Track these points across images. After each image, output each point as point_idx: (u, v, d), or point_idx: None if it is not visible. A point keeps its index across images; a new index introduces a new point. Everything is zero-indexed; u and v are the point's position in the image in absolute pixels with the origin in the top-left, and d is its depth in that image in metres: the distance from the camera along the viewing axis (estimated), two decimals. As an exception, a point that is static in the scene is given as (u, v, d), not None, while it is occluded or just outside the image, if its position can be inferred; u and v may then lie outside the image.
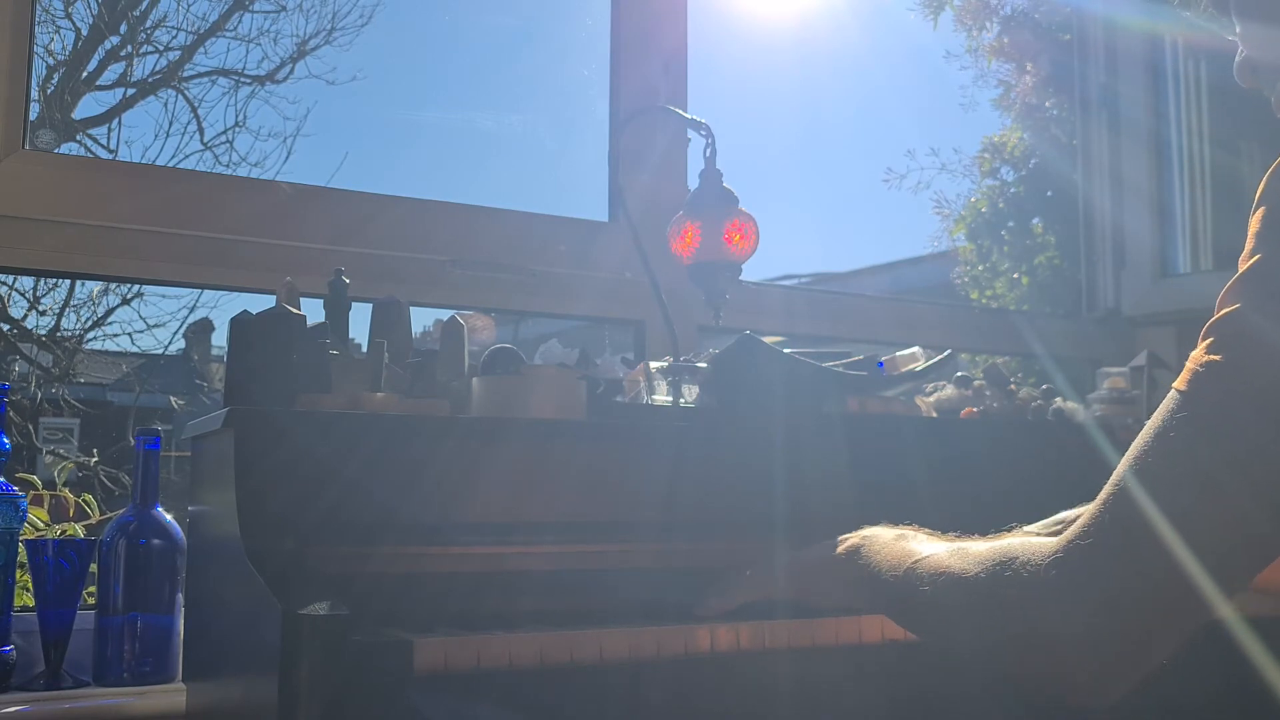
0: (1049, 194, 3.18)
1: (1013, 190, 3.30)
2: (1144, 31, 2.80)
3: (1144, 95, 2.81)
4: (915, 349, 1.75)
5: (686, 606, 1.23)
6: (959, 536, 1.04)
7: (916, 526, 1.12)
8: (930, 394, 1.84)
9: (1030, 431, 1.80)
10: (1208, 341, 0.85)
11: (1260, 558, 0.84)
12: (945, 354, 1.75)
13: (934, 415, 1.75)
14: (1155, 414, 0.86)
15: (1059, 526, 1.41)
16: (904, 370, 1.69)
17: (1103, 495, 0.87)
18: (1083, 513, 0.88)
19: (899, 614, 1.09)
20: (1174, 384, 0.86)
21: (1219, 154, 2.78)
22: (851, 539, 1.16)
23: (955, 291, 3.43)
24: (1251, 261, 0.84)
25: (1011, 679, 0.91)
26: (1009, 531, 1.00)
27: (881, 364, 1.67)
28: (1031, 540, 0.92)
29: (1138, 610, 0.83)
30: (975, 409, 1.81)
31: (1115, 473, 0.87)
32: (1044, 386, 2.02)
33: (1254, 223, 0.86)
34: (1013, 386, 1.91)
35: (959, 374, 1.95)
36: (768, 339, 1.66)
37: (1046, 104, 3.12)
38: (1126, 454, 0.87)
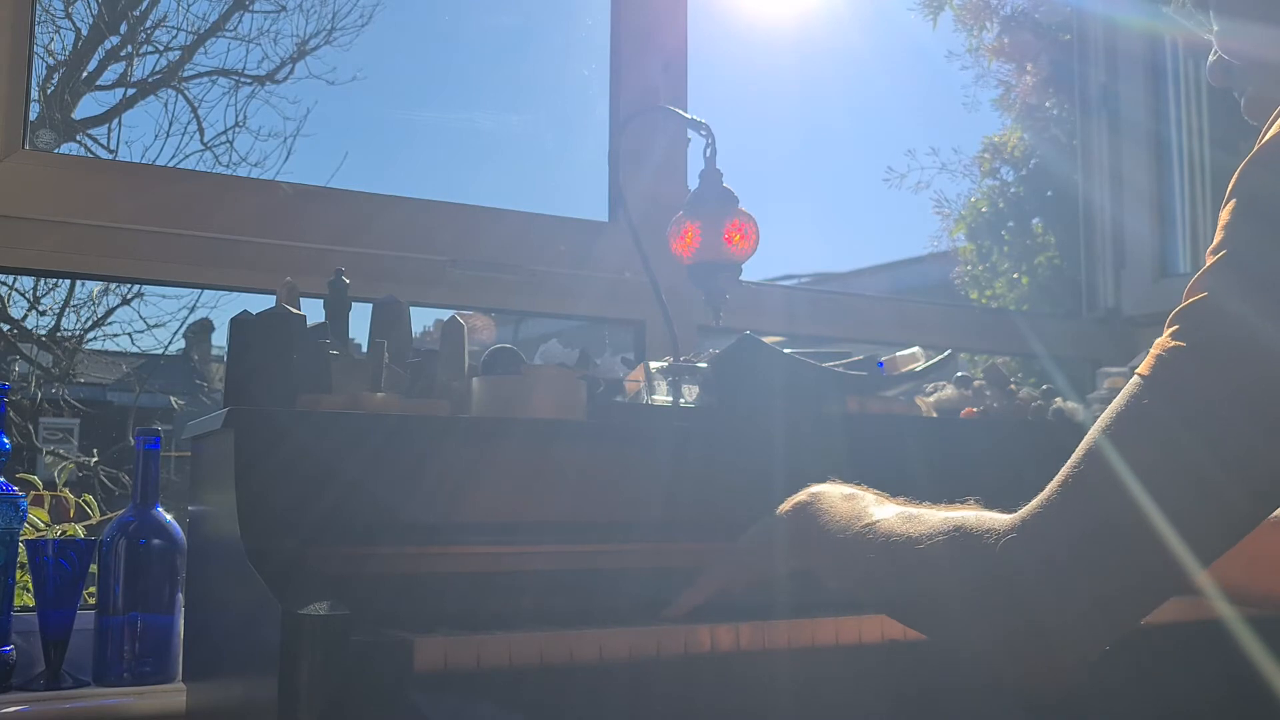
0: (1049, 194, 3.17)
1: (1013, 190, 3.30)
2: (1144, 31, 2.80)
3: (1144, 95, 2.81)
4: (915, 349, 1.75)
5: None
6: (909, 502, 1.04)
7: (865, 486, 1.11)
8: (930, 394, 1.83)
9: (1030, 431, 1.80)
10: (1173, 329, 0.85)
11: (1228, 525, 0.84)
12: (945, 354, 1.75)
13: (934, 415, 1.75)
14: (1115, 399, 0.87)
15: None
16: (904, 370, 1.69)
17: (1066, 467, 0.88)
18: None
19: (841, 575, 1.08)
20: (1137, 370, 0.86)
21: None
22: (798, 496, 1.15)
23: (955, 291, 3.43)
24: (1220, 254, 0.85)
25: (976, 646, 0.90)
26: (963, 504, 1.00)
27: (881, 364, 1.67)
28: (986, 512, 0.93)
29: (1107, 564, 0.84)
30: (975, 409, 1.80)
31: (1074, 455, 0.88)
32: (1044, 386, 2.02)
33: (1224, 215, 0.86)
34: (1013, 386, 1.91)
35: (959, 374, 1.95)
36: (768, 339, 1.66)
37: (1046, 104, 3.12)
38: (1084, 439, 0.88)
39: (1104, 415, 0.87)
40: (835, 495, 1.11)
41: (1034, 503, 0.89)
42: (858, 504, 1.07)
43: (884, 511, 1.02)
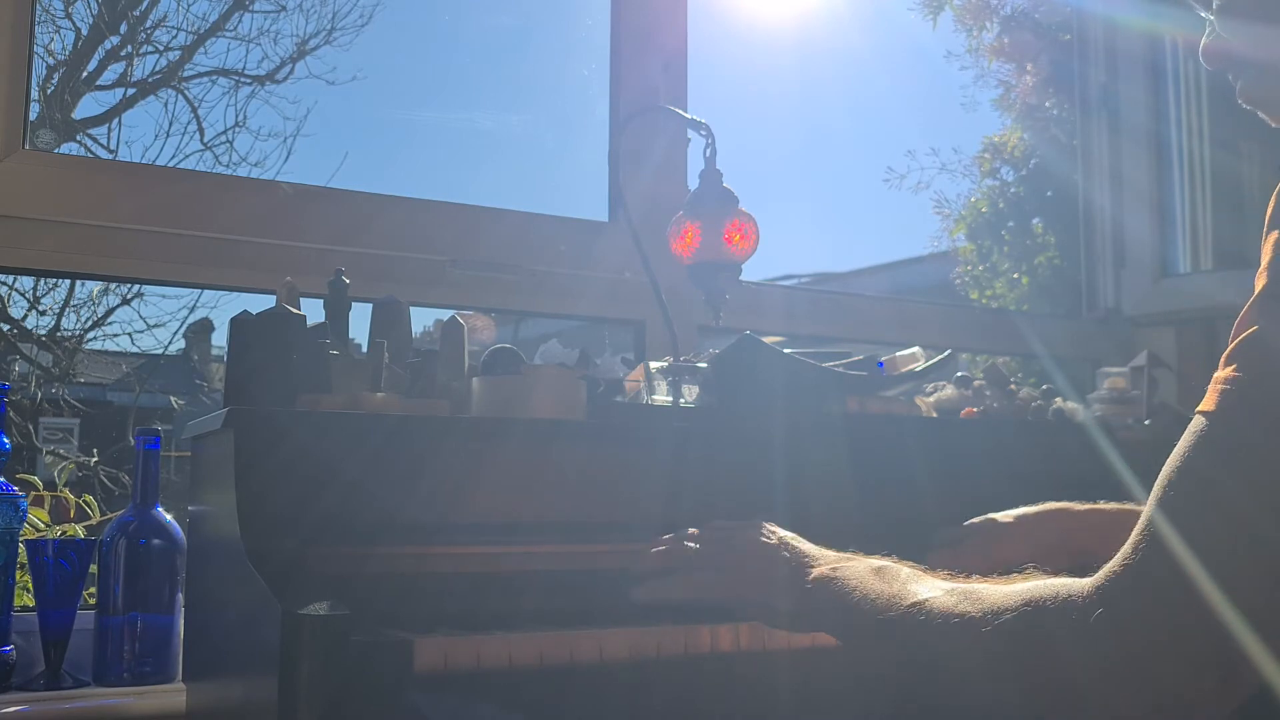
0: (1049, 194, 3.18)
1: (1013, 190, 3.30)
2: (1144, 31, 2.80)
3: (1144, 95, 2.81)
4: (915, 349, 1.75)
5: (686, 607, 1.23)
6: (953, 575, 0.98)
7: (896, 558, 1.05)
8: (930, 394, 1.84)
9: (1030, 431, 1.80)
10: (1231, 366, 0.83)
11: None
12: (945, 354, 1.75)
13: (934, 415, 1.75)
14: (1182, 439, 0.83)
15: (1011, 520, 1.41)
16: (904, 370, 1.69)
17: (1135, 534, 0.83)
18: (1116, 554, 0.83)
19: (893, 658, 1.01)
20: (1199, 407, 0.83)
21: (1219, 154, 2.78)
22: (821, 568, 1.08)
23: (955, 291, 3.43)
24: (1265, 282, 0.83)
25: None
26: (1020, 573, 0.93)
27: (881, 364, 1.67)
28: (1059, 582, 0.87)
29: (1173, 664, 0.79)
30: (975, 409, 1.81)
31: (1147, 506, 0.83)
32: (1044, 386, 2.02)
33: (1267, 246, 0.84)
34: (1013, 386, 1.91)
35: (959, 374, 1.95)
36: (768, 339, 1.66)
37: (1046, 104, 3.12)
38: (1157, 484, 0.83)
39: (1170, 463, 0.83)
40: (863, 569, 1.04)
41: (1110, 572, 0.83)
42: (895, 581, 1.00)
43: (929, 589, 0.96)
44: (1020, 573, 0.93)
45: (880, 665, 1.04)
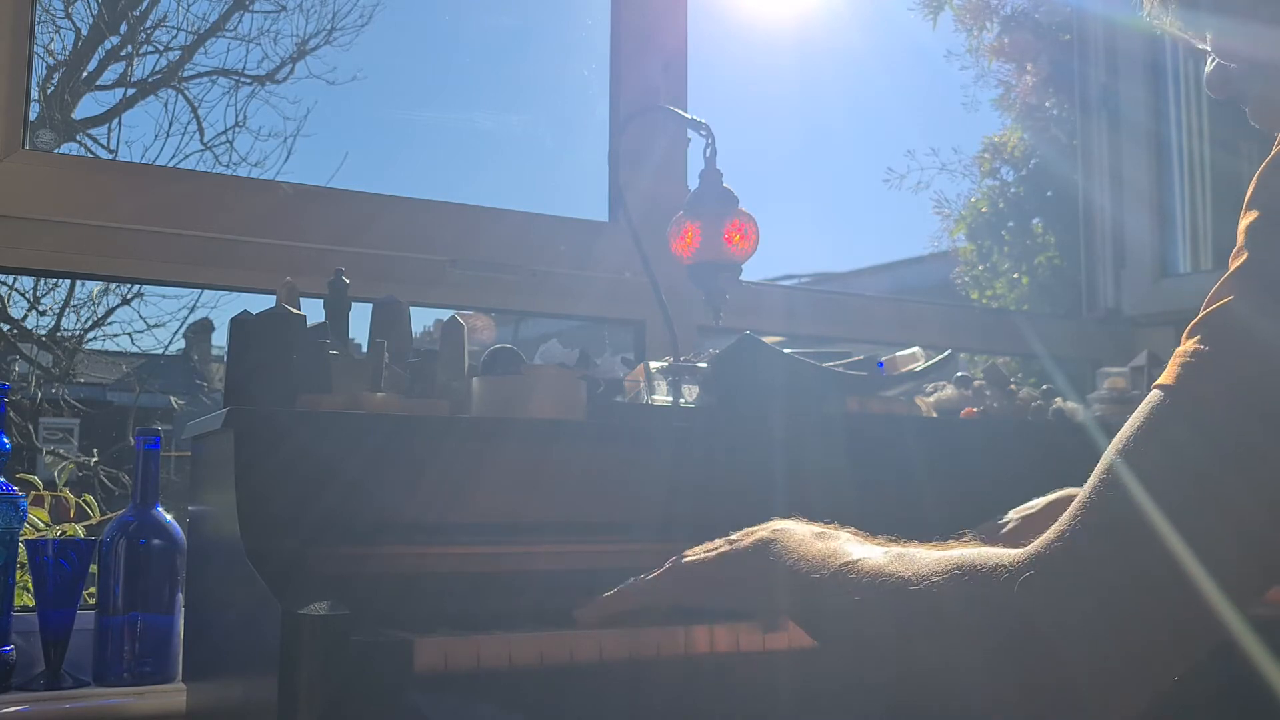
0: (1049, 194, 3.18)
1: (1013, 190, 3.30)
2: (1144, 31, 2.80)
3: (1144, 95, 2.81)
4: (915, 349, 1.75)
5: (686, 607, 1.23)
6: (893, 540, 0.96)
7: (839, 525, 1.03)
8: (930, 394, 1.84)
9: (1030, 431, 1.80)
10: (1195, 338, 0.81)
11: (1268, 566, 0.78)
12: (945, 354, 1.75)
13: (934, 415, 1.75)
14: (1137, 412, 0.82)
15: (1017, 521, 1.40)
16: (904, 370, 1.69)
17: (1083, 496, 0.81)
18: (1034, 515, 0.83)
19: (817, 620, 0.98)
20: (1157, 381, 0.81)
21: (1219, 154, 2.78)
22: (759, 531, 1.06)
23: (955, 291, 3.43)
24: (1241, 259, 0.81)
25: (988, 705, 0.83)
26: (957, 540, 0.91)
27: (881, 364, 1.67)
28: (988, 549, 0.85)
29: (1139, 615, 0.77)
30: (975, 409, 1.81)
31: (1095, 474, 0.81)
32: (1044, 386, 2.02)
33: (1244, 223, 0.83)
34: (1013, 386, 1.91)
35: (959, 374, 1.95)
36: (768, 339, 1.66)
37: (1046, 104, 3.12)
38: (1105, 456, 0.81)
39: (1124, 431, 0.81)
40: (804, 532, 1.03)
41: (1051, 533, 0.81)
42: (832, 543, 0.98)
43: (865, 550, 0.94)
44: (957, 539, 0.92)
45: (813, 631, 1.00)
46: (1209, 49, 0.98)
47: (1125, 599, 0.78)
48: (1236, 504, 0.77)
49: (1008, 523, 1.40)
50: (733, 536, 1.10)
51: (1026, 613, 0.80)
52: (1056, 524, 0.82)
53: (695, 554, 1.13)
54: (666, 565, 1.15)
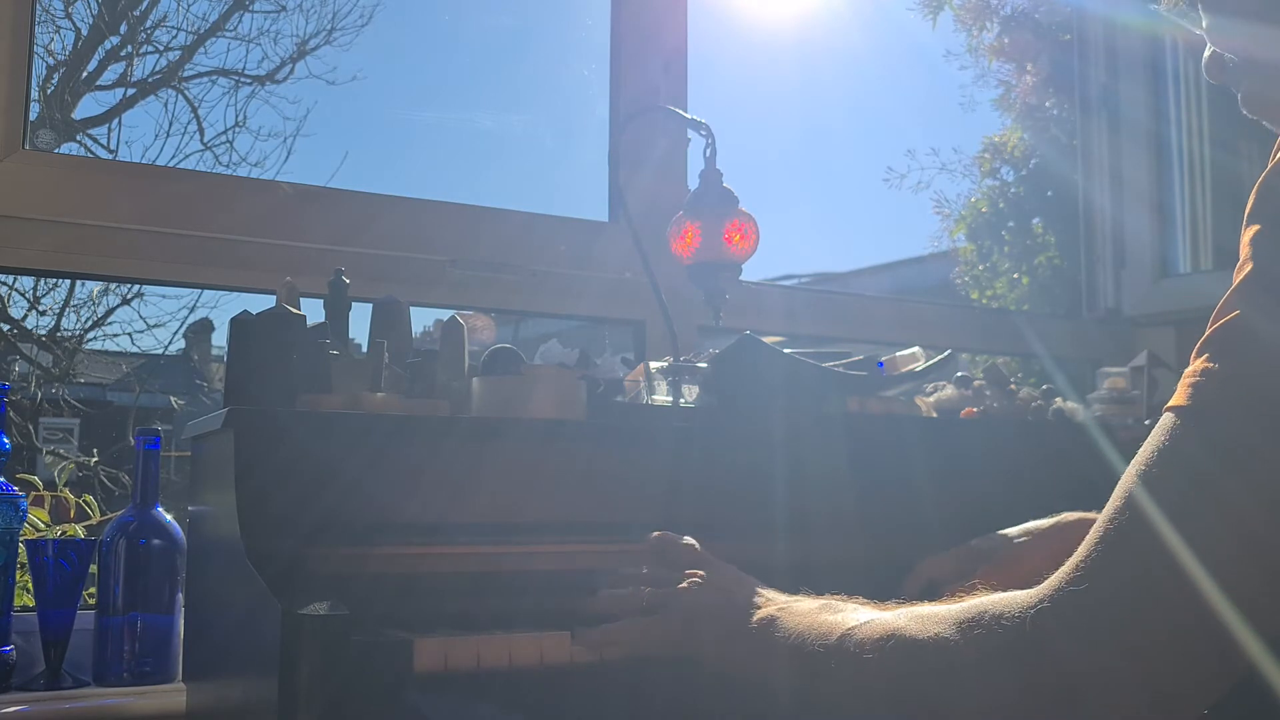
0: (1049, 194, 3.18)
1: (1013, 190, 3.30)
2: (1144, 31, 2.80)
3: (1144, 95, 2.81)
4: (915, 349, 1.75)
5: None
6: (901, 603, 0.95)
7: (844, 596, 1.02)
8: (930, 394, 1.83)
9: (1030, 431, 1.80)
10: (1203, 356, 0.79)
11: None
12: (945, 354, 1.74)
13: (934, 415, 1.75)
14: (1151, 436, 0.80)
15: (1026, 538, 1.38)
16: (904, 370, 1.69)
17: (1100, 525, 0.79)
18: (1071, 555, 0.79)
19: (827, 686, 0.96)
20: (1168, 404, 0.79)
21: (1219, 154, 2.78)
22: (767, 609, 1.05)
23: (955, 291, 3.43)
24: (1246, 271, 0.79)
25: None
26: (968, 592, 0.89)
27: (881, 364, 1.67)
28: (1004, 595, 0.84)
29: (1164, 650, 0.75)
30: (975, 409, 1.80)
31: (1111, 501, 0.79)
32: (1044, 386, 2.02)
33: (1247, 236, 0.81)
34: (1013, 386, 1.91)
35: (959, 374, 1.95)
36: (768, 339, 1.66)
37: (1046, 104, 3.12)
38: (1121, 482, 0.79)
39: (1139, 456, 0.79)
40: (809, 606, 1.02)
41: (1068, 566, 0.79)
42: (838, 615, 0.97)
43: (871, 614, 0.94)
44: (967, 591, 0.90)
45: (820, 698, 0.98)
46: (1205, 36, 0.98)
47: (1147, 632, 0.75)
48: (1257, 524, 0.74)
49: (1010, 537, 1.38)
50: (748, 600, 1.08)
51: (1042, 647, 0.78)
52: (1073, 556, 0.80)
53: (708, 595, 1.12)
54: (682, 592, 1.13)
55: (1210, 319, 0.81)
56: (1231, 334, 0.78)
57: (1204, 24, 0.98)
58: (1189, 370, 0.80)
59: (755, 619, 1.05)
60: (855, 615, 0.96)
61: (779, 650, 1.00)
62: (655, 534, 1.24)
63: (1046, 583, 0.80)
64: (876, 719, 0.92)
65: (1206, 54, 0.99)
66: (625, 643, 1.13)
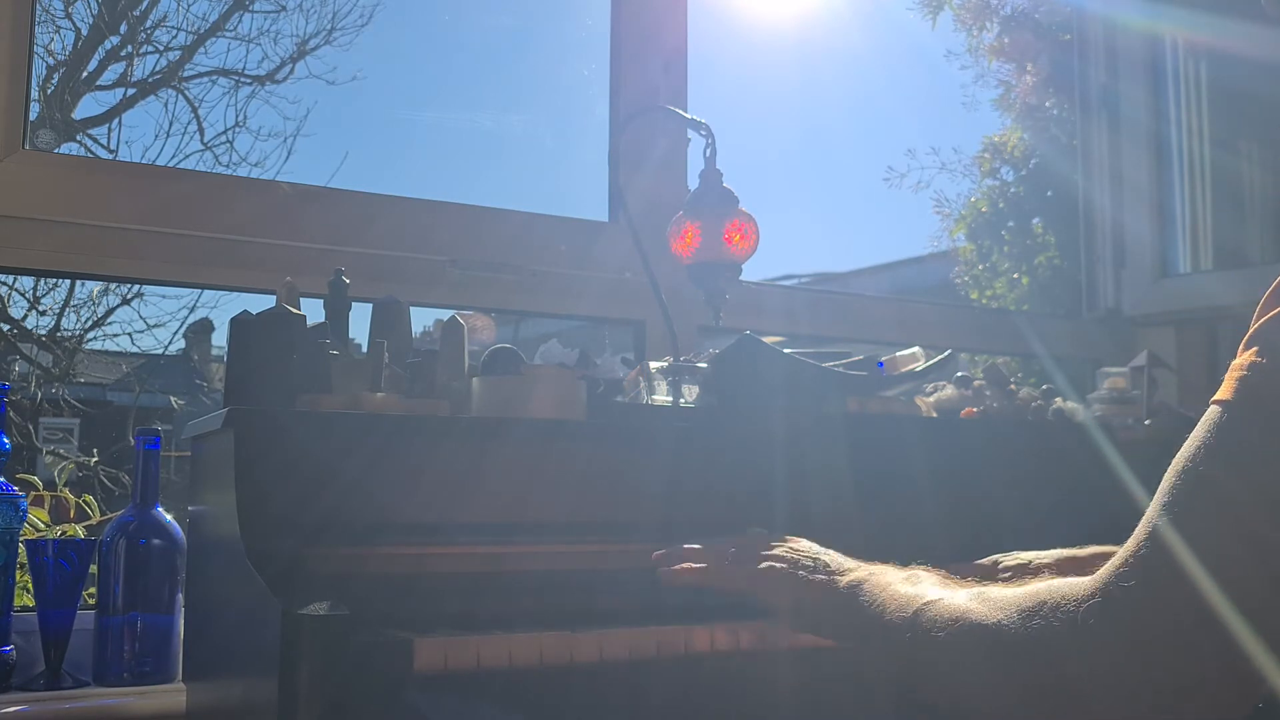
0: (1049, 194, 3.18)
1: (1013, 190, 3.31)
2: (1144, 31, 2.80)
3: (1144, 95, 2.81)
4: (915, 349, 1.75)
5: (686, 607, 1.23)
6: (978, 581, 0.98)
7: (929, 567, 1.05)
8: (930, 394, 1.83)
9: (1030, 431, 1.80)
10: (1250, 350, 0.78)
11: None
12: (945, 354, 1.75)
13: (934, 415, 1.75)
14: (1196, 430, 0.79)
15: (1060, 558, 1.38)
16: (904, 370, 1.69)
17: (1148, 518, 0.80)
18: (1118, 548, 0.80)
19: (903, 662, 0.99)
20: (1214, 397, 0.79)
21: (1219, 154, 2.78)
22: (856, 571, 1.07)
23: (955, 291, 3.44)
24: None
25: None
26: (1034, 575, 0.92)
27: (881, 364, 1.67)
28: (1063, 582, 0.85)
29: (1167, 665, 0.76)
30: (975, 409, 1.81)
31: (1158, 495, 0.80)
32: (1044, 386, 2.02)
33: None
34: (1013, 386, 1.91)
35: (959, 374, 1.95)
36: (768, 339, 1.66)
37: (1046, 104, 3.12)
38: (1167, 477, 0.80)
39: (1184, 450, 0.79)
40: (894, 576, 1.04)
41: (1117, 559, 0.80)
42: (917, 586, 1.00)
43: (944, 591, 0.96)
44: (1034, 575, 0.92)
45: (895, 667, 1.02)
46: None
47: (1156, 645, 0.76)
48: None
49: (1001, 566, 1.37)
50: (829, 562, 1.10)
51: (1092, 642, 0.79)
52: (1122, 549, 0.80)
53: (799, 553, 1.14)
54: (775, 553, 1.15)
55: (1255, 313, 0.80)
56: (1278, 328, 0.78)
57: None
58: (1235, 364, 0.80)
59: (844, 582, 1.07)
60: (931, 590, 0.98)
61: (862, 614, 1.03)
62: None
63: (1099, 574, 0.81)
64: (945, 694, 0.95)
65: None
66: (705, 577, 1.16)
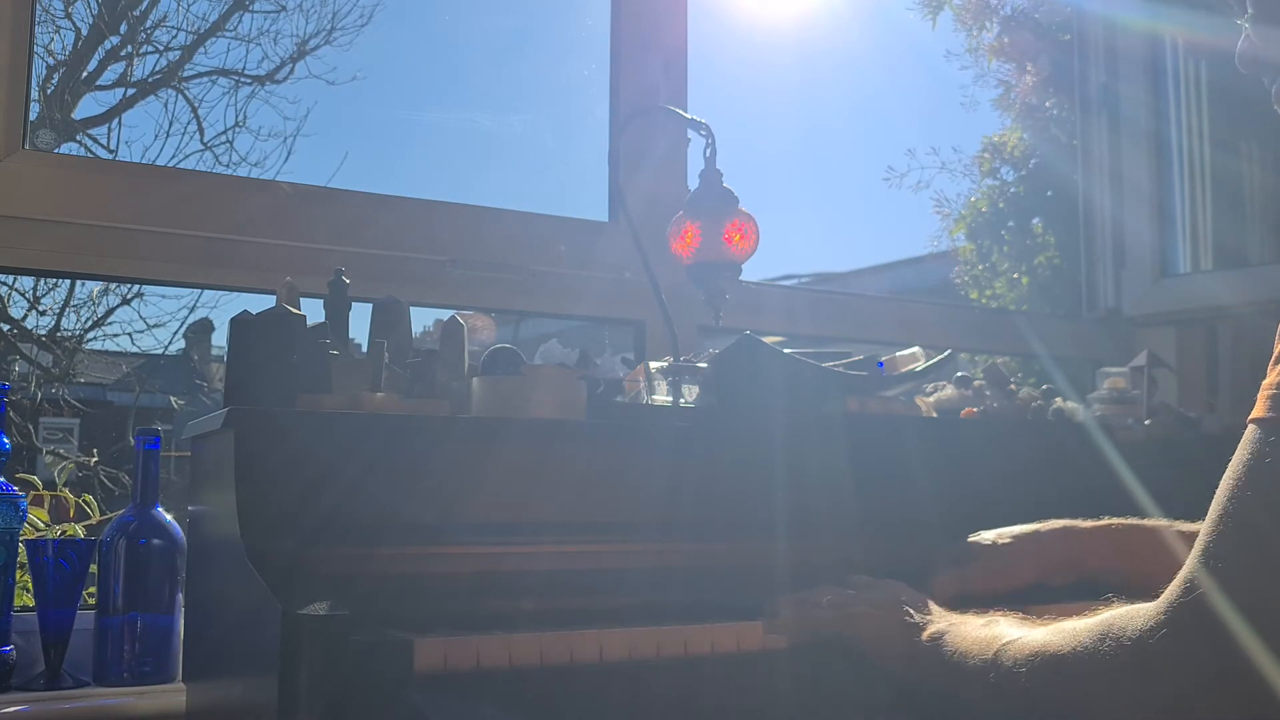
0: (1049, 194, 3.18)
1: (1013, 190, 3.31)
2: (1144, 31, 2.80)
3: (1144, 95, 2.81)
4: (915, 349, 1.75)
5: (686, 606, 1.23)
6: (1057, 618, 1.01)
7: (1004, 611, 1.09)
8: (930, 394, 1.83)
9: (1030, 431, 1.80)
10: None
11: None
12: (945, 354, 1.74)
13: (934, 415, 1.75)
14: (1238, 452, 0.81)
15: (1011, 541, 1.39)
16: (904, 370, 1.69)
17: (1202, 541, 0.81)
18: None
19: (991, 702, 1.03)
20: (1250, 416, 0.81)
21: (1219, 154, 2.78)
22: (937, 624, 1.13)
23: (955, 291, 3.44)
24: None
25: None
26: (1105, 604, 0.94)
27: (881, 364, 1.67)
28: (1130, 608, 0.87)
29: (1209, 697, 0.78)
30: (975, 409, 1.80)
31: (1209, 519, 0.81)
32: (1044, 386, 2.02)
33: None
34: (1013, 386, 1.91)
35: (959, 374, 1.95)
36: (768, 339, 1.66)
37: (1046, 104, 3.12)
38: (1215, 500, 0.81)
39: (1229, 474, 0.81)
40: (974, 624, 1.09)
41: (1178, 581, 0.82)
42: (994, 628, 1.04)
43: (1022, 630, 1.00)
44: (1104, 602, 0.95)
45: (980, 707, 1.05)
46: (1246, 25, 0.99)
47: (1203, 676, 0.78)
48: None
49: (971, 553, 1.39)
50: (912, 614, 1.15)
51: (1160, 665, 0.81)
52: (1181, 571, 0.82)
53: (883, 604, 1.19)
54: (876, 600, 1.20)
55: None
56: None
57: (1248, 27, 0.98)
58: (1267, 382, 0.81)
59: (927, 633, 1.12)
60: (1010, 630, 1.03)
61: (947, 661, 1.08)
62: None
63: (1163, 597, 0.83)
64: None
65: (1242, 44, 1.00)
66: (823, 623, 1.19)
